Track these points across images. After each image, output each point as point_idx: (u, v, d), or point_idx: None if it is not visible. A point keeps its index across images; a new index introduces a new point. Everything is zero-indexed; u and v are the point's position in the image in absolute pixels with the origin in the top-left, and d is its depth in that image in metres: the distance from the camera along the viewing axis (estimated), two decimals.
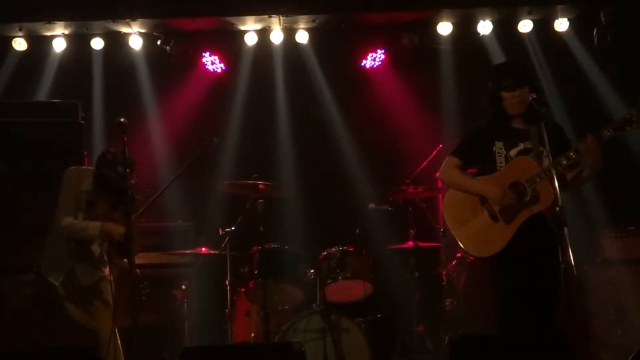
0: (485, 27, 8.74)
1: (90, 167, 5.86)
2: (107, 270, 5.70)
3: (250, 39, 8.87)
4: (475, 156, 5.45)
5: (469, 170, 5.50)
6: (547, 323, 5.14)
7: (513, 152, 5.30)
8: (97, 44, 8.83)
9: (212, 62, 9.15)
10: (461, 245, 5.47)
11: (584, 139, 5.04)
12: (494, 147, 5.33)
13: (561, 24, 8.72)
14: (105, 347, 5.44)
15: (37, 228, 7.17)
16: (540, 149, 5.09)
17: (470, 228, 5.33)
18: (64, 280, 5.59)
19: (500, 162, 5.31)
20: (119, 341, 5.63)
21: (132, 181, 5.60)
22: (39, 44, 8.83)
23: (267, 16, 8.54)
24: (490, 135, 5.37)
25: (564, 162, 5.07)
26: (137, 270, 5.87)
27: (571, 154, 5.06)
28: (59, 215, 5.57)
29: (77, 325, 5.56)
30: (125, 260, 5.56)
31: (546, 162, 5.04)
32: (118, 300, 5.64)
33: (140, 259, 5.95)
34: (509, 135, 5.34)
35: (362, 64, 9.18)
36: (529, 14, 8.67)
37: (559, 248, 4.67)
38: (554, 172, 4.92)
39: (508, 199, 5.16)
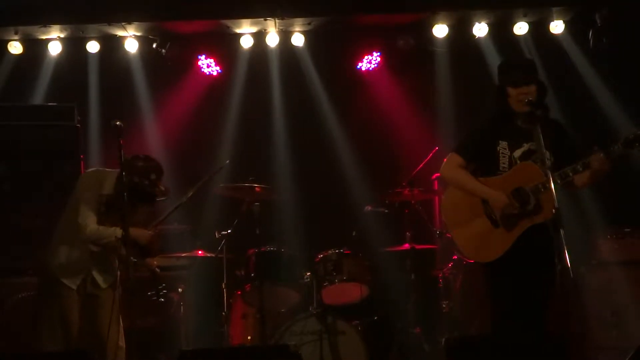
0: (480, 29, 8.73)
1: (108, 169, 5.79)
2: (118, 273, 5.68)
3: (246, 42, 8.87)
4: (479, 155, 5.36)
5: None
6: (543, 325, 5.14)
7: (517, 153, 5.24)
8: (93, 47, 8.81)
9: (207, 65, 9.14)
10: (459, 247, 5.46)
11: (593, 154, 4.97)
12: (498, 147, 5.27)
13: (556, 26, 8.72)
14: (109, 349, 5.43)
15: (34, 230, 7.21)
16: (544, 151, 4.92)
17: (469, 231, 5.29)
18: (80, 285, 5.56)
19: (504, 163, 5.26)
20: (124, 344, 5.61)
21: (162, 187, 5.58)
22: (35, 47, 8.80)
23: (262, 19, 8.54)
24: (495, 134, 5.30)
25: (571, 174, 5.03)
26: (157, 270, 5.87)
27: (579, 167, 5.01)
28: (83, 221, 5.46)
29: (85, 328, 5.54)
30: (150, 260, 5.60)
31: (548, 164, 4.91)
32: (122, 302, 5.64)
33: None
34: (513, 135, 5.26)
35: (358, 67, 9.17)
36: (524, 16, 8.67)
37: (555, 250, 4.66)
38: (558, 182, 4.91)
39: (511, 208, 5.11)
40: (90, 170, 5.77)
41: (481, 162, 5.37)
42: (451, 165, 5.42)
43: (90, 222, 5.46)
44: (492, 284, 5.30)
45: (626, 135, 4.96)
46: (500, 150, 5.27)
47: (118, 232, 5.44)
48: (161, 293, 6.02)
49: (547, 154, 4.93)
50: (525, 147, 5.24)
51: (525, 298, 5.15)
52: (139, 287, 5.50)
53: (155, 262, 5.80)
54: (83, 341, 5.52)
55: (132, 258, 5.64)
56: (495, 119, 5.37)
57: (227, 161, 7.44)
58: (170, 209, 6.25)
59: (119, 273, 5.69)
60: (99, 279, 5.60)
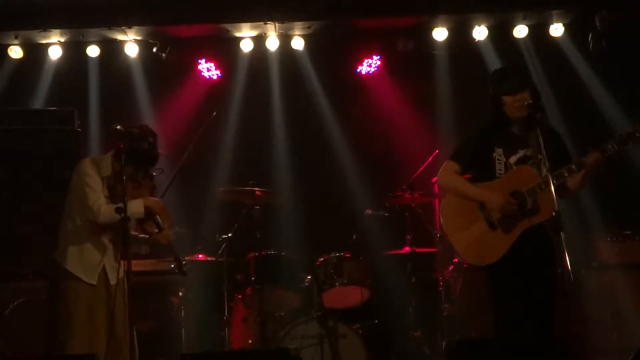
0: (480, 32, 8.73)
1: (100, 155, 5.67)
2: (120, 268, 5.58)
3: (246, 46, 8.88)
4: (474, 162, 5.40)
5: (464, 175, 5.48)
6: (545, 328, 5.14)
7: (512, 159, 5.27)
8: (93, 51, 8.83)
9: (208, 69, 9.16)
10: (459, 252, 5.47)
11: (588, 153, 5.02)
12: (494, 154, 5.30)
13: (556, 29, 8.73)
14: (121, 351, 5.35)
15: (34, 235, 7.20)
16: (540, 157, 4.98)
17: (468, 235, 5.31)
18: (98, 280, 5.48)
19: (500, 169, 5.29)
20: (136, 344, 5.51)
21: (160, 152, 5.56)
22: (35, 51, 8.82)
23: (262, 23, 8.55)
24: (490, 141, 5.34)
25: (566, 175, 5.06)
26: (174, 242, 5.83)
27: (573, 166, 5.04)
28: (94, 203, 5.32)
29: (102, 328, 5.45)
30: (167, 232, 5.60)
31: (544, 170, 4.97)
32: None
33: (136, 265, 5.88)
34: (508, 142, 5.30)
35: (358, 70, 9.19)
36: (524, 19, 8.68)
37: (556, 253, 4.66)
38: (554, 182, 4.91)
39: (510, 205, 5.12)
40: (83, 160, 5.66)
41: (477, 169, 5.42)
42: (447, 173, 5.45)
43: (102, 202, 5.37)
44: (494, 286, 5.31)
45: (620, 133, 5.04)
46: (496, 157, 5.31)
47: (133, 204, 5.34)
48: (184, 267, 5.94)
49: (544, 157, 4.95)
50: (521, 153, 5.28)
51: (527, 300, 5.15)
52: (139, 289, 5.49)
53: (171, 235, 5.76)
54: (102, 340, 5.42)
55: (143, 235, 5.62)
56: (490, 126, 5.41)
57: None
58: (170, 177, 6.47)
59: (120, 270, 5.57)
60: (110, 275, 5.54)
